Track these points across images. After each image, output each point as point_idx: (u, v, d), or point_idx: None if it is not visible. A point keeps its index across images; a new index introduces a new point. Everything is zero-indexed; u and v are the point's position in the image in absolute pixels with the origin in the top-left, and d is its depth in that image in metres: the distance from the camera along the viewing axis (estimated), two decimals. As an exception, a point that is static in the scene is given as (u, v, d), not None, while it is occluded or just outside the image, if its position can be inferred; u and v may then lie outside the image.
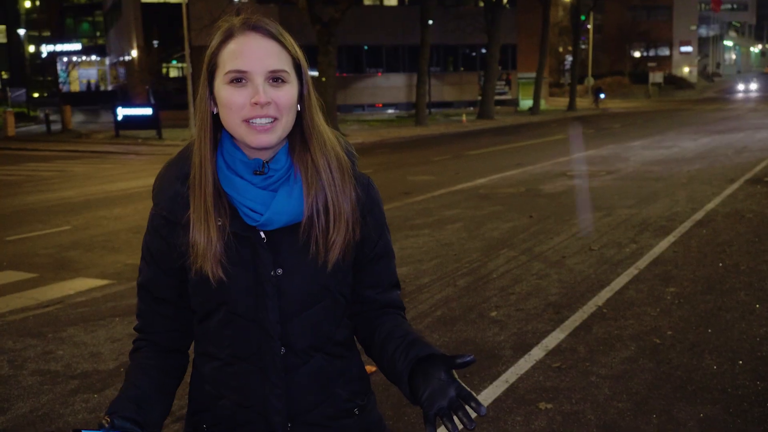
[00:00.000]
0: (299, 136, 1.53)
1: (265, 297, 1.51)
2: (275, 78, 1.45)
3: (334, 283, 1.56)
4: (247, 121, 1.45)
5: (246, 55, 1.44)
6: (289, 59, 1.48)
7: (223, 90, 1.46)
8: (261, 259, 1.51)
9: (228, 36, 1.48)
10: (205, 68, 1.50)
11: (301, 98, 1.52)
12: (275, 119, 1.45)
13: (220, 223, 1.48)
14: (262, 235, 1.51)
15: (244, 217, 1.49)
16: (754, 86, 73.73)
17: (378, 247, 1.63)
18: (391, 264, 1.68)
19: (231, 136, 1.52)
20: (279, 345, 1.53)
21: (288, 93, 1.47)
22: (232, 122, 1.46)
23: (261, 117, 1.44)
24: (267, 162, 1.49)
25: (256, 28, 1.47)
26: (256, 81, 1.44)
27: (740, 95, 62.33)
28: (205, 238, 1.48)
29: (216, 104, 1.50)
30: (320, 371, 1.57)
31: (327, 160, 1.53)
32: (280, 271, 1.51)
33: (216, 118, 1.51)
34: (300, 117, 1.53)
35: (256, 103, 1.43)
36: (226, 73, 1.45)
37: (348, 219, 1.53)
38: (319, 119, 1.55)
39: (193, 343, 1.67)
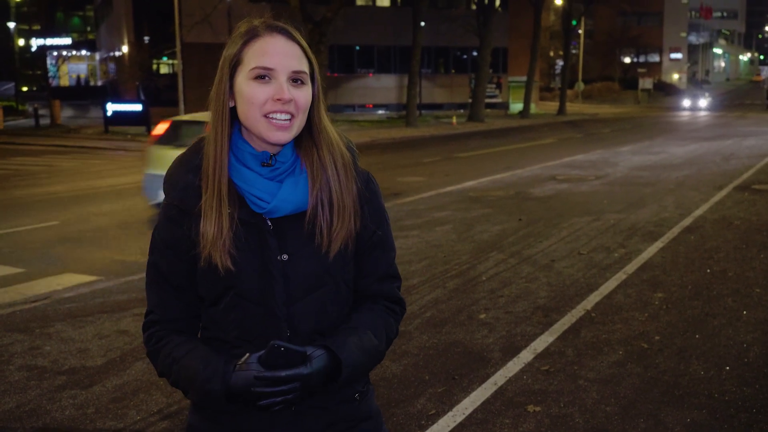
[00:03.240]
0: (307, 133, 1.63)
1: (272, 281, 1.57)
2: (296, 79, 1.56)
3: (336, 270, 1.63)
4: (266, 116, 1.53)
5: (272, 54, 1.54)
6: (306, 62, 1.59)
7: (246, 85, 1.54)
8: (268, 245, 1.58)
9: (253, 35, 1.56)
10: (227, 64, 1.57)
11: (312, 99, 1.61)
12: (293, 117, 1.55)
13: (229, 212, 1.55)
14: (269, 222, 1.59)
15: (251, 205, 1.57)
16: (703, 103, 55.08)
17: (375, 236, 1.69)
18: (387, 255, 1.74)
19: (239, 132, 1.60)
20: (285, 327, 1.59)
21: (306, 94, 1.58)
22: (252, 116, 1.55)
23: (281, 113, 1.53)
24: (274, 155, 1.59)
25: (282, 31, 1.58)
26: (280, 79, 1.54)
27: (685, 114, 47.10)
28: (216, 227, 1.54)
29: (234, 99, 1.58)
30: None
31: (333, 158, 1.62)
32: (285, 256, 1.58)
33: (231, 112, 1.59)
34: (309, 116, 1.62)
35: (279, 99, 1.52)
36: (252, 68, 1.54)
37: (350, 212, 1.62)
38: (327, 119, 1.65)
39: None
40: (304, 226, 1.59)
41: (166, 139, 10.73)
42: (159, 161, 10.23)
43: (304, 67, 1.57)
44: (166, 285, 1.63)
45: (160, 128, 11.17)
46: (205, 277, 1.59)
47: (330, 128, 1.65)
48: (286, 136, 1.55)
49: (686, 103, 56.34)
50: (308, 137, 1.62)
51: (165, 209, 1.63)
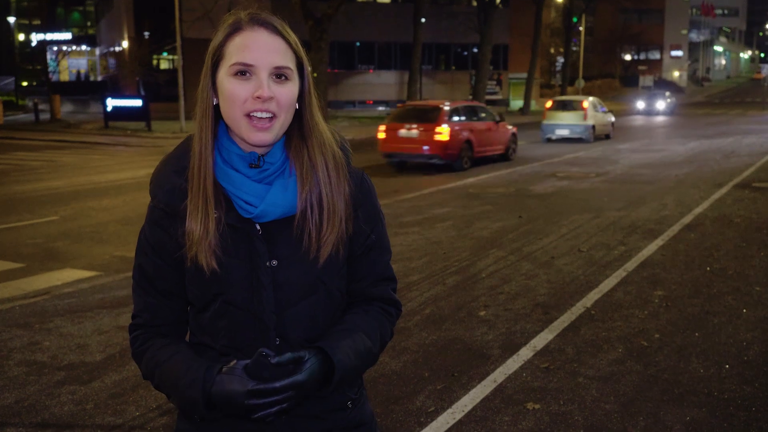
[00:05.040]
0: (297, 132, 1.55)
1: (260, 288, 1.52)
2: (279, 75, 1.48)
3: (328, 276, 1.57)
4: (247, 115, 1.47)
5: (253, 49, 1.46)
6: (293, 57, 1.51)
7: (226, 81, 1.47)
8: (256, 250, 1.52)
9: (236, 29, 1.49)
10: (210, 59, 1.51)
11: (302, 96, 1.54)
12: (274, 116, 1.48)
13: (216, 215, 1.49)
14: (258, 227, 1.53)
15: (239, 209, 1.51)
16: (662, 105, 44.64)
17: (369, 240, 1.64)
18: (382, 257, 1.68)
19: (226, 131, 1.54)
20: (274, 335, 1.54)
21: (290, 91, 1.49)
22: (233, 115, 1.48)
23: (262, 111, 1.46)
24: (262, 156, 1.52)
25: (264, 24, 1.49)
26: (261, 75, 1.46)
27: (638, 119, 39.88)
28: (202, 227, 1.48)
29: (217, 95, 1.51)
30: None
31: (325, 159, 1.55)
32: (275, 262, 1.53)
33: (216, 110, 1.53)
34: (299, 114, 1.55)
35: (258, 97, 1.45)
36: (232, 65, 1.47)
37: (341, 216, 1.56)
38: (319, 117, 1.57)
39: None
40: (294, 231, 1.53)
41: (553, 108, 24.99)
42: (551, 117, 24.71)
43: (289, 62, 1.49)
44: (151, 289, 1.59)
45: (548, 104, 25.68)
46: (193, 280, 1.54)
47: (322, 126, 1.57)
48: (266, 138, 1.47)
49: (640, 105, 46.11)
50: (298, 136, 1.55)
51: (151, 211, 1.57)
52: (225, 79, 1.47)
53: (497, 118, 18.51)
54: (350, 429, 1.65)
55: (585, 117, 24.06)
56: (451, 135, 16.22)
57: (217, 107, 1.52)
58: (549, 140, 24.67)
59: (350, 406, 1.64)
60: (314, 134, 1.55)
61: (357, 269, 1.64)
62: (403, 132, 16.37)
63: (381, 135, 16.74)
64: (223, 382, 1.42)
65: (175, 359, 1.52)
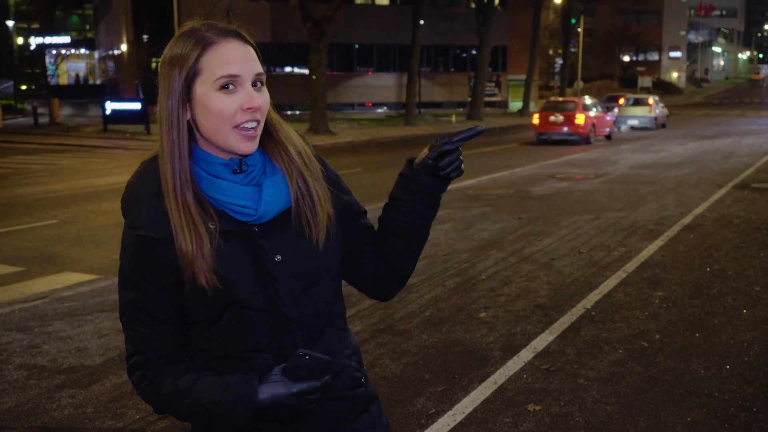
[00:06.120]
0: (264, 131, 1.58)
1: (276, 284, 1.53)
2: (258, 81, 1.51)
3: (329, 259, 1.61)
4: (237, 127, 1.48)
5: (234, 60, 1.47)
6: (259, 63, 1.53)
7: (212, 97, 1.46)
8: (261, 249, 1.52)
9: (208, 42, 1.48)
10: (182, 75, 1.47)
11: None
12: (258, 123, 1.51)
13: (212, 227, 1.48)
14: (255, 228, 1.53)
15: (234, 215, 1.51)
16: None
17: (355, 204, 1.72)
18: (367, 219, 1.77)
19: (197, 145, 1.53)
20: (296, 328, 1.55)
21: (267, 96, 1.53)
22: (220, 129, 1.47)
23: (251, 121, 1.49)
24: (243, 159, 1.54)
25: (236, 35, 1.51)
26: (247, 86, 1.48)
27: None
28: (194, 246, 1.46)
29: (191, 111, 1.49)
30: (333, 345, 1.62)
31: (296, 148, 1.60)
32: (279, 257, 1.54)
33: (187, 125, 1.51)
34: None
35: (249, 108, 1.47)
36: (218, 78, 1.46)
37: (326, 197, 1.61)
38: (275, 112, 1.62)
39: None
40: (290, 223, 1.56)
41: (625, 104, 32.26)
42: (623, 111, 31.91)
43: (261, 68, 1.51)
44: (150, 322, 1.52)
45: (621, 101, 33.27)
46: (200, 299, 1.50)
47: (282, 121, 1.63)
48: (254, 146, 1.50)
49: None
50: (267, 136, 1.58)
51: (133, 241, 1.50)
52: (209, 94, 1.46)
53: (604, 110, 26.81)
54: (367, 404, 1.71)
55: (651, 110, 31.00)
56: (585, 120, 24.23)
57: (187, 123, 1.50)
58: (619, 129, 30.26)
59: (364, 382, 1.69)
60: (278, 128, 1.60)
61: (356, 235, 1.70)
62: (552, 118, 24.47)
63: (535, 121, 25.15)
64: (267, 390, 1.42)
65: (203, 383, 1.49)
